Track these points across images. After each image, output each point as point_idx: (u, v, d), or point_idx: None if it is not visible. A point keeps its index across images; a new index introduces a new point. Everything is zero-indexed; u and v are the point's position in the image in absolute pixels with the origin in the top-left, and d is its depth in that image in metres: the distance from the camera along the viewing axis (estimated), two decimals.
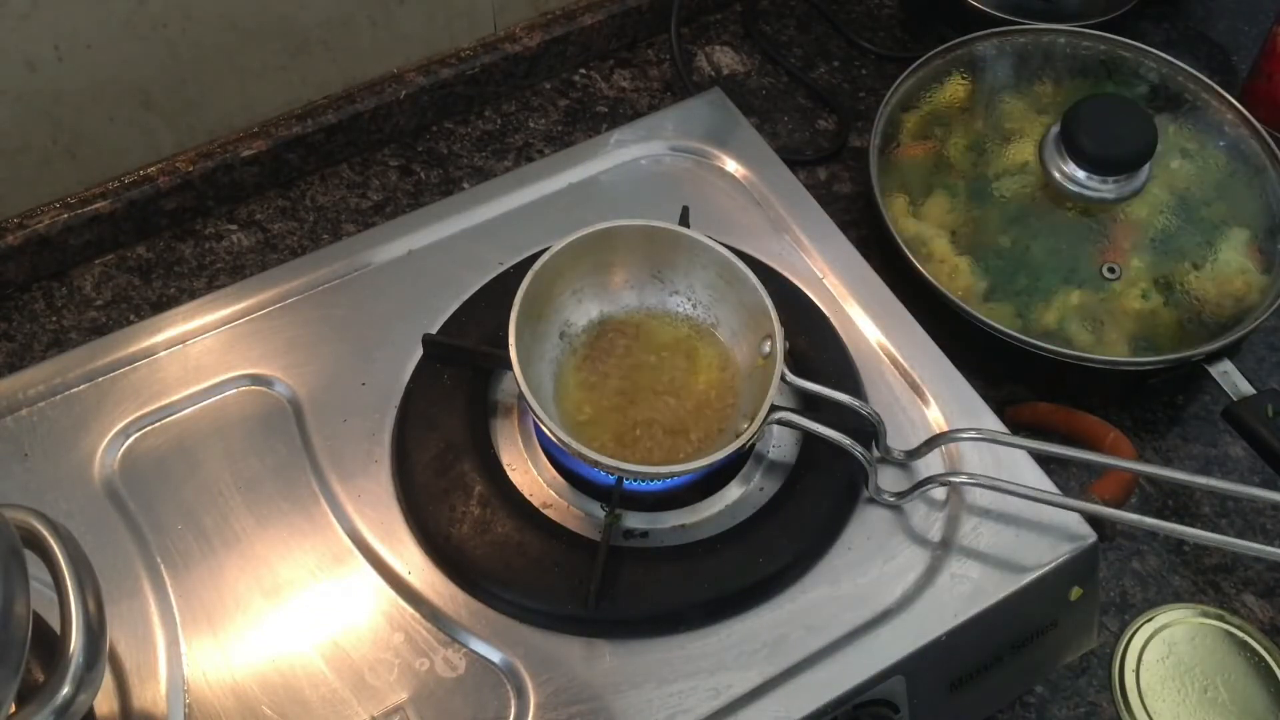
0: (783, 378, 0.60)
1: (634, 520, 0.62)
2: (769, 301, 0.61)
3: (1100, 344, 0.73)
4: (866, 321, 0.70)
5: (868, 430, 0.62)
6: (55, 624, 0.46)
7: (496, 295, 0.68)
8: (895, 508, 0.62)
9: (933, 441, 0.63)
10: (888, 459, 0.63)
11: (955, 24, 0.88)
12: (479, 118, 0.90)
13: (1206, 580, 0.71)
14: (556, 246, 0.62)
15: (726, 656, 0.58)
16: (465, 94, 0.88)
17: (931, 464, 0.63)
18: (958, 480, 0.62)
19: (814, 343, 0.68)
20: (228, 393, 0.66)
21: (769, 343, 0.61)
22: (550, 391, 0.63)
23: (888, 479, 0.63)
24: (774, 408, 0.59)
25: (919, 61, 0.83)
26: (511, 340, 0.59)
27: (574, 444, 0.57)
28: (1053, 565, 0.61)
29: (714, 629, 0.59)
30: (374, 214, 0.84)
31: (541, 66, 0.90)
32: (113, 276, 0.81)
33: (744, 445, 0.58)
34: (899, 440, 0.64)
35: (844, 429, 0.60)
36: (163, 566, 0.60)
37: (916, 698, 0.59)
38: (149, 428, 0.65)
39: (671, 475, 0.60)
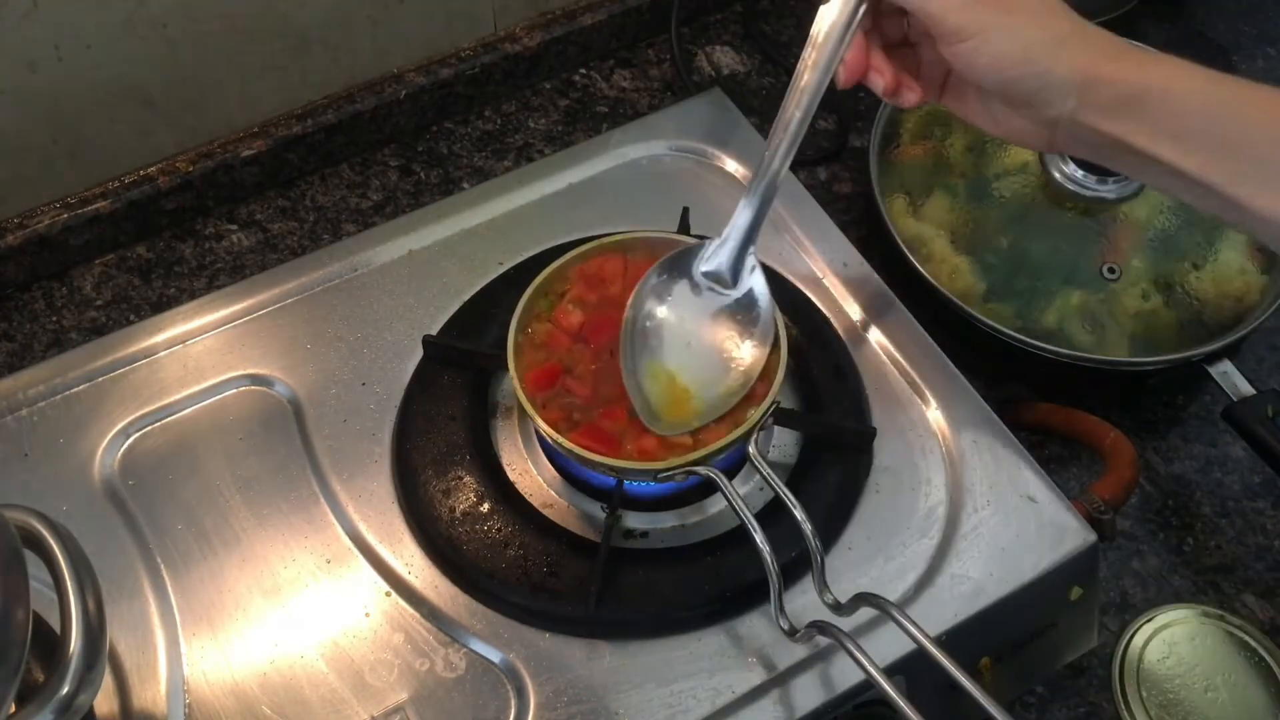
0: (748, 459, 0.57)
1: (634, 521, 0.62)
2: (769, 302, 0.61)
3: (1100, 344, 0.73)
4: (867, 321, 0.70)
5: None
6: (55, 624, 0.46)
7: (496, 295, 0.68)
8: (790, 634, 0.57)
9: (860, 599, 0.56)
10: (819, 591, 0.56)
11: None
12: (479, 118, 0.90)
13: (1206, 580, 0.71)
14: (559, 263, 0.61)
15: (726, 656, 0.58)
16: (465, 94, 0.88)
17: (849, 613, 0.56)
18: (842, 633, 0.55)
19: (814, 343, 0.68)
20: (228, 393, 0.67)
21: None
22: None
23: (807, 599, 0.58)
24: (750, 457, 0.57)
25: None
26: (510, 353, 0.59)
27: (574, 446, 0.57)
28: (1053, 565, 0.61)
29: (714, 629, 0.59)
30: (374, 214, 0.84)
31: (541, 66, 0.90)
32: (113, 276, 0.81)
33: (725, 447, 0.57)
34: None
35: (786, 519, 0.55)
36: (163, 566, 0.60)
37: (916, 698, 0.59)
38: (149, 428, 0.65)
39: (671, 476, 0.60)
